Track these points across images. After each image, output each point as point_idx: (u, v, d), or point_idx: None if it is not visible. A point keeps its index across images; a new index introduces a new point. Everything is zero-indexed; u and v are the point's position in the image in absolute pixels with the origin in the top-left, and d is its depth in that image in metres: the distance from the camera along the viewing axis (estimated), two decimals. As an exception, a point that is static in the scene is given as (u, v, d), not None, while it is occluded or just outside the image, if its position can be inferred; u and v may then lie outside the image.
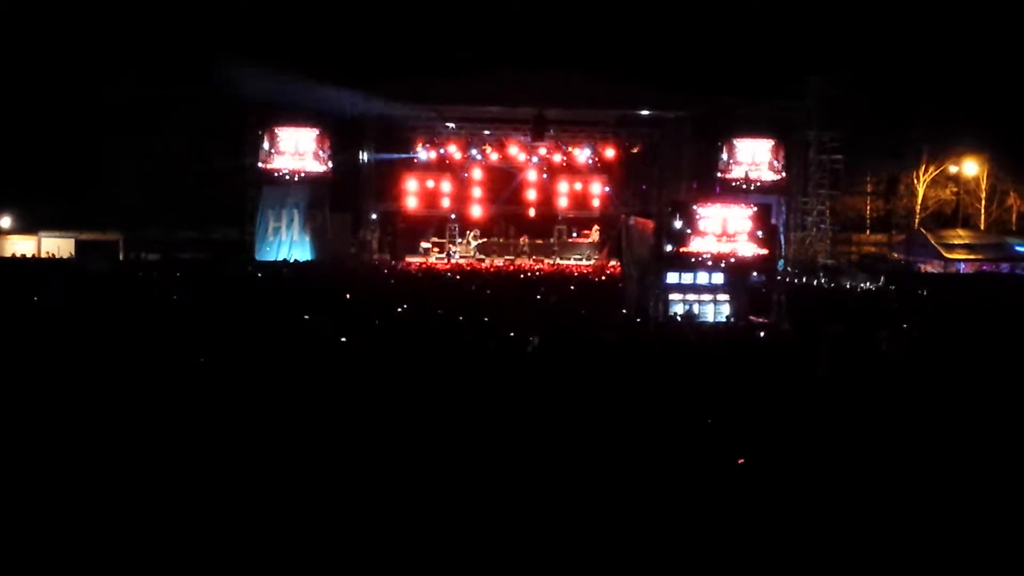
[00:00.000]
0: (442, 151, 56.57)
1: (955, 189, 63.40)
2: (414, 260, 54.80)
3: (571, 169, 57.40)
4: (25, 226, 53.95)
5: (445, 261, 54.48)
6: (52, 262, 47.53)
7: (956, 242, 57.88)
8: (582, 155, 56.95)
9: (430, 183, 57.00)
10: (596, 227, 57.82)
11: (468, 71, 51.89)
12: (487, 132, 56.60)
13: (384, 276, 44.23)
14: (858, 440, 12.14)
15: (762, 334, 25.54)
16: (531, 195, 57.31)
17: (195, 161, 52.46)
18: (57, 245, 52.56)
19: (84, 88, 53.41)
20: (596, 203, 57.53)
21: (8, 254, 50.29)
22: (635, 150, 58.08)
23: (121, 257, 52.49)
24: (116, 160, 53.06)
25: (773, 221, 38.48)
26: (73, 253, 51.56)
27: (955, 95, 55.98)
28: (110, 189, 52.40)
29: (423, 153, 56.67)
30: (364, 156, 54.48)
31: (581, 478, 10.54)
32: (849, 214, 60.44)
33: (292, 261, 49.45)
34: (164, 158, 52.65)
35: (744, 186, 52.16)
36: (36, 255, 50.75)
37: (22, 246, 52.09)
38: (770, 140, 52.72)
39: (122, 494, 9.87)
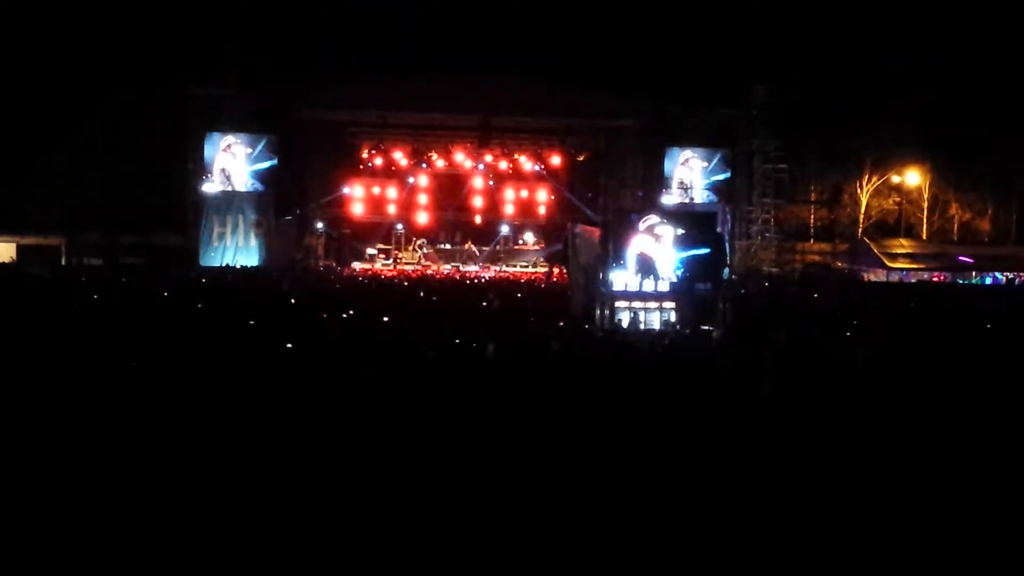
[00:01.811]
0: (388, 157, 56.37)
1: (898, 199, 63.97)
2: (360, 266, 54.56)
3: (517, 176, 57.37)
4: (-35, 231, 53.31)
5: (391, 267, 54.31)
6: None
7: (899, 251, 58.44)
8: (528, 162, 56.94)
9: (376, 189, 56.77)
10: (530, 234, 57.98)
11: (414, 77, 51.90)
12: (433, 138, 56.53)
13: (330, 281, 43.96)
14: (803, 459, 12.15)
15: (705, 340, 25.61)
16: (477, 202, 57.19)
17: (138, 165, 51.98)
18: (-2, 249, 52.03)
19: (25, 91, 52.84)
20: (542, 210, 57.48)
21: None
22: (581, 158, 58.20)
23: (63, 261, 51.94)
24: (58, 164, 52.48)
25: (719, 229, 38.67)
26: (14, 257, 50.98)
27: (898, 105, 56.52)
28: (52, 193, 51.80)
29: (369, 159, 56.47)
30: (310, 162, 54.15)
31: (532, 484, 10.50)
32: (793, 223, 60.83)
33: (238, 267, 49.07)
34: (106, 162, 52.10)
35: (689, 194, 52.43)
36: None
37: (-39, 251, 51.51)
38: (715, 148, 53.06)
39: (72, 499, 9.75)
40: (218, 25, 55.68)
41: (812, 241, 62.08)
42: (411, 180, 56.66)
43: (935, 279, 55.48)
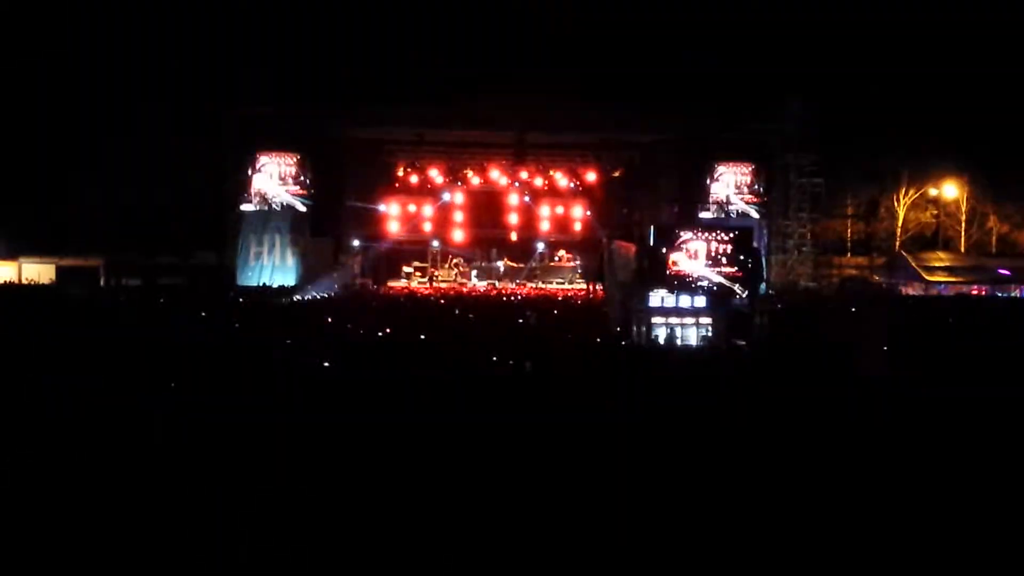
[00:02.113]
0: (423, 175, 56.51)
1: (935, 211, 63.55)
2: (396, 285, 54.70)
3: (553, 193, 57.39)
4: (5, 252, 53.66)
5: (427, 285, 54.42)
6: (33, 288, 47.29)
7: (937, 264, 58.08)
8: (563, 179, 56.98)
9: (412, 207, 56.88)
10: (563, 252, 58.03)
11: (450, 95, 52.01)
12: (468, 156, 56.68)
13: (367, 301, 44.10)
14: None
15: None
16: (513, 219, 57.20)
17: (176, 185, 52.30)
18: (38, 271, 52.32)
19: (62, 112, 53.24)
20: (578, 227, 57.43)
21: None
22: (616, 174, 58.12)
23: (101, 283, 52.26)
24: (96, 185, 52.84)
25: (754, 244, 38.60)
26: (54, 279, 51.34)
27: (935, 117, 56.18)
28: (91, 215, 52.16)
29: (404, 177, 56.61)
30: (346, 180, 54.38)
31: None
32: (830, 237, 60.51)
33: (275, 286, 49.28)
34: (144, 182, 52.42)
35: (726, 210, 52.36)
36: (16, 281, 50.45)
37: (2, 272, 51.80)
38: (751, 164, 53.00)
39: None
40: (255, 45, 55.97)
41: (849, 255, 61.75)
42: (447, 197, 56.74)
43: (974, 292, 55.08)
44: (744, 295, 31.63)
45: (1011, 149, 57.47)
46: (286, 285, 49.67)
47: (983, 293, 55.13)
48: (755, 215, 52.90)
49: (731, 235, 32.07)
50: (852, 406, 16.22)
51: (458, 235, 57.13)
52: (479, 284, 55.11)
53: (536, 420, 14.08)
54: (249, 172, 51.61)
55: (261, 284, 49.77)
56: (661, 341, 28.79)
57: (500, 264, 57.06)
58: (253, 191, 51.81)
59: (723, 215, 52.82)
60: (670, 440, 13.41)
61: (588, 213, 57.24)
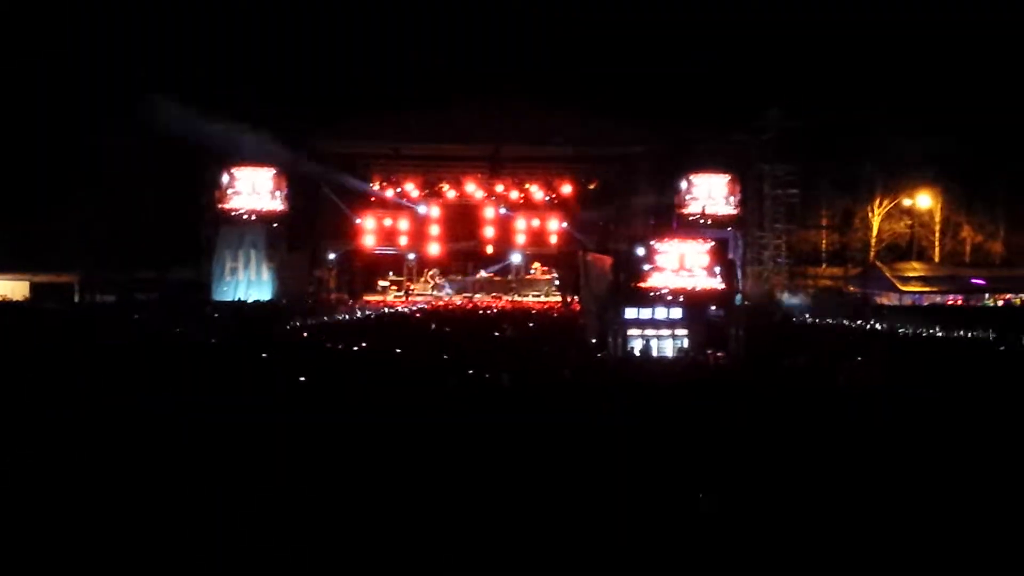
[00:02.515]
0: (399, 189, 56.39)
1: (909, 222, 63.72)
2: (372, 298, 54.59)
3: (528, 205, 57.38)
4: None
5: (403, 299, 54.34)
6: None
7: (911, 275, 58.29)
8: (539, 192, 56.97)
9: (387, 221, 56.73)
10: (538, 264, 58.07)
11: (425, 108, 51.99)
12: (444, 169, 56.65)
13: (341, 314, 44.06)
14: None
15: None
16: (489, 232, 57.14)
17: (151, 201, 52.02)
18: (11, 287, 52.07)
19: (37, 128, 52.99)
20: (554, 239, 57.42)
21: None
22: (592, 186, 58.14)
23: (76, 299, 52.01)
24: (70, 201, 52.52)
25: (730, 256, 38.71)
26: (27, 295, 51.07)
27: (908, 129, 56.40)
28: (64, 230, 51.84)
29: (380, 191, 56.44)
30: (321, 195, 54.29)
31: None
32: (805, 248, 60.62)
33: (250, 300, 49.13)
34: (119, 198, 52.11)
35: (701, 221, 52.43)
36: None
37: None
38: (726, 175, 53.10)
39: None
40: (231, 59, 55.84)
41: (824, 266, 61.87)
42: (422, 211, 56.65)
43: (949, 302, 55.31)
44: (720, 307, 31.70)
45: (985, 160, 57.77)
46: (261, 300, 49.54)
47: (958, 303, 55.37)
48: (730, 226, 52.99)
49: (707, 246, 32.15)
50: (852, 408, 16.36)
51: (434, 248, 57.02)
52: (455, 297, 55.05)
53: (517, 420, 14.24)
54: (225, 186, 51.42)
55: (237, 299, 49.59)
56: (637, 353, 28.79)
57: (476, 277, 57.02)
58: (228, 206, 51.66)
59: (699, 226, 52.89)
60: (667, 440, 13.54)
61: (564, 225, 57.24)
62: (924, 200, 62.75)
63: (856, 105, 56.69)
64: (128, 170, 51.64)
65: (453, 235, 57.48)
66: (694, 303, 30.42)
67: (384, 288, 56.79)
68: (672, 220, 52.43)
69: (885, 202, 62.72)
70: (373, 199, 56.74)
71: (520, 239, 57.40)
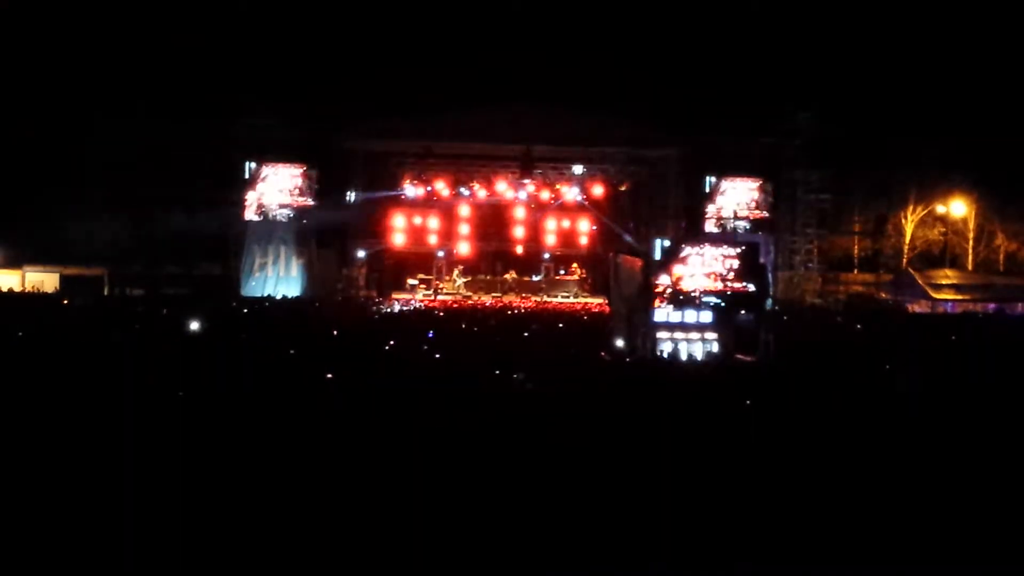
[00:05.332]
0: (429, 187, 56.24)
1: (943, 229, 63.31)
2: (401, 297, 54.52)
3: (559, 206, 57.19)
4: (9, 260, 53.63)
5: (432, 298, 54.23)
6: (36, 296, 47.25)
7: (944, 282, 57.84)
8: (570, 192, 56.74)
9: (417, 219, 56.63)
10: (575, 265, 57.82)
11: (456, 107, 52.00)
12: (475, 168, 56.55)
13: (370, 312, 43.99)
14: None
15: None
16: (518, 232, 56.98)
17: (181, 196, 52.13)
18: (41, 279, 52.27)
19: (68, 122, 53.20)
20: (584, 240, 57.23)
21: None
22: (623, 187, 57.95)
23: (105, 292, 52.20)
24: (101, 194, 52.68)
25: (761, 260, 38.44)
26: (57, 287, 51.27)
27: (943, 135, 56.04)
28: (95, 223, 52.00)
29: (410, 189, 56.28)
30: (351, 193, 54.31)
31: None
32: (837, 253, 60.34)
33: (279, 297, 49.18)
34: (149, 193, 52.25)
35: (732, 225, 52.22)
36: (20, 289, 50.38)
37: (5, 280, 51.74)
38: (758, 179, 52.89)
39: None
40: (261, 56, 55.98)
41: (856, 272, 61.54)
42: (453, 209, 56.56)
43: (976, 310, 54.87)
44: (750, 311, 31.46)
45: (1020, 167, 57.30)
46: (289, 296, 49.62)
47: (990, 311, 54.91)
48: (761, 231, 52.76)
49: (737, 251, 31.89)
50: (883, 408, 16.23)
51: (464, 247, 56.90)
52: (484, 297, 54.90)
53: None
54: (255, 183, 51.56)
55: (265, 295, 49.65)
56: (666, 356, 28.60)
57: (505, 277, 56.88)
58: (258, 202, 51.78)
59: (729, 230, 52.69)
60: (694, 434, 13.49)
61: (594, 227, 57.02)
62: (958, 207, 62.29)
63: (889, 110, 56.43)
64: (159, 164, 51.84)
65: (483, 234, 57.37)
66: (724, 307, 30.21)
67: (413, 287, 56.68)
68: (703, 223, 52.24)
69: (919, 209, 62.29)
70: (403, 197, 56.63)
71: (550, 240, 57.22)
